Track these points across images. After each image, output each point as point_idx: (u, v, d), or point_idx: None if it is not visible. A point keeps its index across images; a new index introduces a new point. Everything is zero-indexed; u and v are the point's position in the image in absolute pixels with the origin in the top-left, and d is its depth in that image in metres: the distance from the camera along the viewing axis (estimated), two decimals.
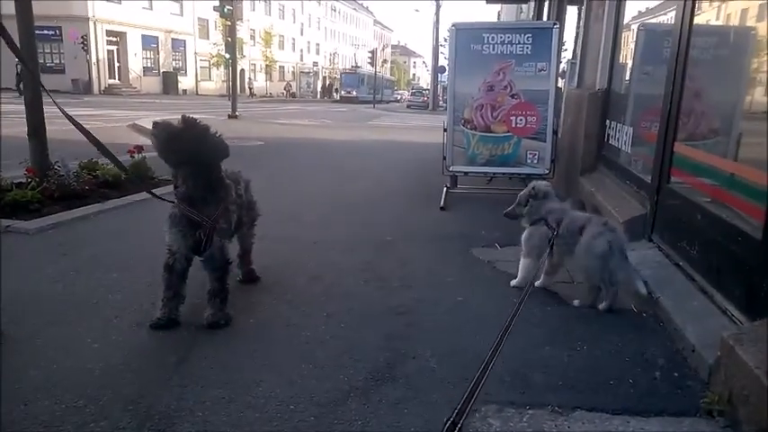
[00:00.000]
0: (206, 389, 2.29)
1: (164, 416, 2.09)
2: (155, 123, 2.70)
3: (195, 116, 2.81)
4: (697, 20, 3.64)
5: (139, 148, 6.29)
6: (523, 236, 3.52)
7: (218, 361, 2.52)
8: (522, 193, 3.54)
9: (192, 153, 2.65)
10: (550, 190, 3.47)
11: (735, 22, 3.56)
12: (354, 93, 49.46)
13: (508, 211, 3.59)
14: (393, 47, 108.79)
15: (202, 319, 2.84)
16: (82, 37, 32.28)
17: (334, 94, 54.12)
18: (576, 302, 3.27)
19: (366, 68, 53.66)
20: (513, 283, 3.54)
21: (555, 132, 6.26)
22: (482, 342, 2.73)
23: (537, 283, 3.42)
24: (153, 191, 3.13)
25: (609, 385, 2.35)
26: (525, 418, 2.12)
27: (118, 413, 2.09)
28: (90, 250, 4.05)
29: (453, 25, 6.29)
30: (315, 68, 62.45)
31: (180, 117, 2.72)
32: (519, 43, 6.04)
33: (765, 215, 2.38)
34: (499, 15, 27.94)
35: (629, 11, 5.67)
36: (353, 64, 66.03)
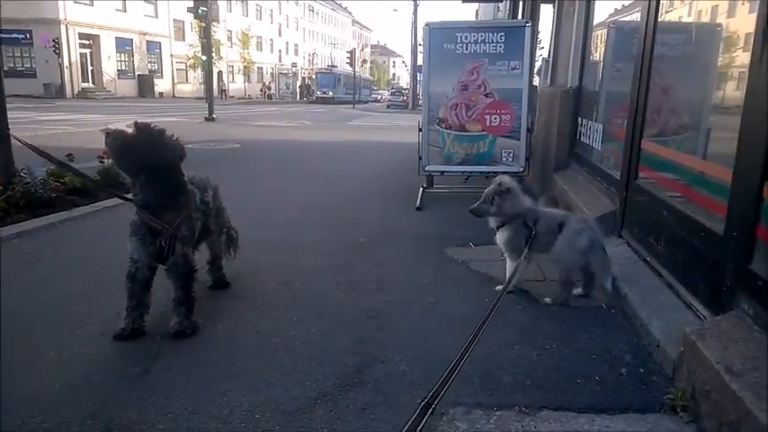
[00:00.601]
0: (169, 400, 2.25)
1: (124, 429, 2.05)
2: (107, 133, 2.63)
3: (148, 120, 2.77)
4: (667, 17, 3.68)
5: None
6: (503, 237, 3.39)
7: (182, 371, 2.47)
8: (487, 189, 3.43)
9: (146, 159, 2.60)
10: (515, 185, 3.41)
11: (706, 19, 3.58)
12: (330, 93, 48.16)
13: (474, 207, 3.45)
14: (372, 47, 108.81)
15: (169, 328, 2.79)
16: (53, 40, 31.78)
17: (310, 94, 52.69)
18: (547, 300, 3.27)
19: (343, 68, 52.93)
20: (504, 287, 3.45)
21: (530, 130, 6.28)
22: (453, 344, 2.71)
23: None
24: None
25: (576, 383, 2.35)
26: (492, 420, 2.12)
27: (76, 428, 2.04)
28: (55, 259, 3.97)
29: (426, 25, 6.28)
30: (294, 69, 61.93)
31: (132, 123, 2.66)
32: (492, 42, 6.05)
33: (727, 210, 2.40)
34: (477, 14, 28.06)
35: (600, 9, 5.72)
36: (329, 63, 65.06)
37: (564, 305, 3.20)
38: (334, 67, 57.80)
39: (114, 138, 2.60)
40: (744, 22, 2.77)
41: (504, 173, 6.04)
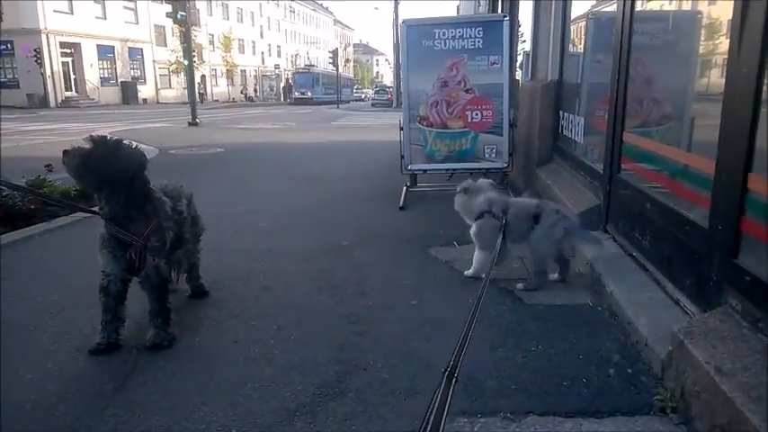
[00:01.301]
0: (143, 417, 2.17)
1: None
2: (65, 152, 2.54)
3: (104, 132, 2.68)
4: (648, 5, 3.62)
5: None
6: (472, 231, 3.57)
7: (158, 385, 2.40)
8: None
9: (106, 172, 2.51)
10: (482, 185, 3.60)
11: (686, 6, 3.53)
12: (309, 93, 46.07)
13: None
14: (355, 45, 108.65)
15: (145, 340, 2.72)
16: (34, 50, 31.46)
17: (289, 96, 50.28)
18: (519, 285, 3.36)
19: (322, 67, 51.62)
20: (467, 273, 3.61)
21: (512, 125, 6.22)
22: (434, 348, 2.66)
23: (468, 272, 3.61)
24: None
25: (562, 386, 2.28)
26: (477, 428, 2.05)
27: None
28: (32, 272, 3.87)
29: (403, 22, 6.21)
30: (277, 71, 61.60)
31: (88, 137, 2.57)
32: (470, 37, 5.99)
33: (711, 203, 2.35)
34: (458, 10, 28.04)
35: (578, 1, 5.67)
36: (306, 62, 62.92)
37: (535, 290, 3.32)
38: (313, 66, 56.11)
39: (72, 156, 2.51)
40: (725, 9, 2.72)
41: (488, 169, 6.03)
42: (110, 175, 2.52)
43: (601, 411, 2.10)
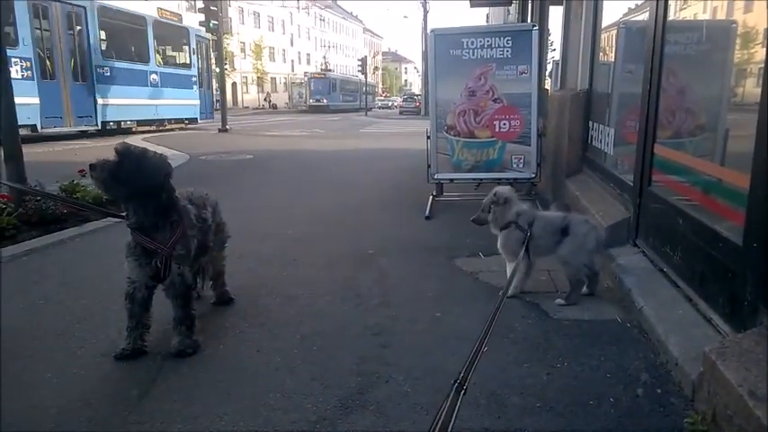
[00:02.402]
0: (166, 425, 2.18)
1: None
2: (92, 166, 2.54)
3: (128, 142, 2.71)
4: (682, 14, 3.55)
5: None
6: (500, 242, 3.52)
7: (181, 393, 2.41)
8: (485, 199, 3.57)
9: (133, 183, 2.54)
10: (512, 195, 3.51)
11: (721, 15, 3.45)
12: (325, 101, 42.75)
13: (475, 217, 3.62)
14: (384, 53, 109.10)
15: (170, 347, 2.75)
16: None
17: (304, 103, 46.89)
18: (559, 301, 3.31)
19: (344, 72, 48.76)
20: (510, 293, 3.42)
21: (541, 135, 6.15)
22: (458, 362, 2.58)
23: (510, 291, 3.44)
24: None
25: (589, 405, 2.22)
26: None
27: None
28: (63, 277, 3.94)
29: (431, 31, 6.21)
30: (306, 78, 62.12)
31: (114, 149, 2.59)
32: (499, 47, 5.94)
33: (746, 219, 2.27)
34: (488, 18, 27.96)
35: (610, 9, 5.59)
36: (322, 66, 58.80)
37: (575, 304, 3.27)
38: (330, 71, 52.94)
39: (101, 170, 2.53)
40: (761, 18, 2.64)
41: (516, 179, 5.96)
42: (137, 187, 2.55)
43: None
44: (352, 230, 5.33)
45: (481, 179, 6.42)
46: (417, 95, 45.00)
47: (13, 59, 12.65)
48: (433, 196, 6.25)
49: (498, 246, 3.53)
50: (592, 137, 5.55)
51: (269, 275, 3.93)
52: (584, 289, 3.39)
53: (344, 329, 3.04)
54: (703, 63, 3.46)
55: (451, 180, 6.39)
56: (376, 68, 77.99)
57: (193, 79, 21.24)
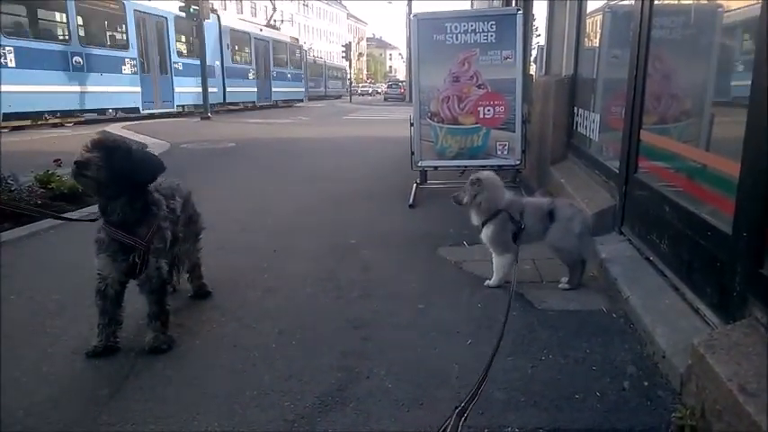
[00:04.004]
0: (137, 426, 2.09)
1: None
2: (79, 164, 2.36)
3: (112, 133, 2.59)
4: None
5: None
6: (488, 233, 3.35)
7: (154, 392, 2.31)
8: (467, 184, 3.42)
9: (129, 182, 2.45)
10: (493, 179, 3.39)
11: None
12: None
13: (456, 194, 3.46)
14: (368, 39, 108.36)
15: (144, 343, 2.65)
16: None
17: None
18: (563, 283, 3.34)
19: (320, 56, 47.69)
20: (490, 283, 3.39)
21: (526, 122, 6.07)
22: (440, 355, 2.56)
23: (491, 282, 3.40)
24: None
25: (574, 400, 2.16)
26: None
27: None
28: (35, 270, 3.81)
29: (414, 16, 6.08)
30: None
31: (94, 142, 2.43)
32: (483, 31, 5.83)
33: (735, 207, 2.21)
34: (472, 3, 27.73)
35: None
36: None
37: (581, 285, 3.29)
38: (319, 58, 53.44)
39: (91, 168, 2.35)
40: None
41: (501, 167, 5.89)
42: (131, 186, 2.47)
43: (615, 429, 1.98)
44: (334, 220, 5.23)
45: (465, 166, 6.33)
46: (402, 82, 44.68)
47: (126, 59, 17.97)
48: (417, 184, 6.16)
49: (485, 238, 3.38)
50: (577, 123, 5.49)
51: (248, 267, 3.82)
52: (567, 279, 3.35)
53: (325, 323, 2.95)
54: (690, 47, 3.39)
55: (435, 167, 6.29)
56: (360, 55, 77.32)
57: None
